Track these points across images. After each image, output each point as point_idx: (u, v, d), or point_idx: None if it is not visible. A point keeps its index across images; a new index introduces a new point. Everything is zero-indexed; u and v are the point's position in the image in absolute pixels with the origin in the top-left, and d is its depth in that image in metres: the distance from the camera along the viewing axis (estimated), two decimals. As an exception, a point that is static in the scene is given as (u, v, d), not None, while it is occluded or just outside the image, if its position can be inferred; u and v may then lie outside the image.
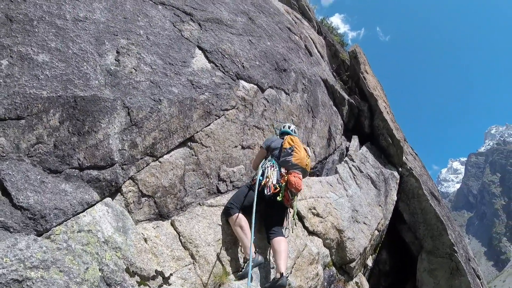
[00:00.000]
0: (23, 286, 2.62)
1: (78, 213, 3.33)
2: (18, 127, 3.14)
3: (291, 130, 5.51)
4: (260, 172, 4.79)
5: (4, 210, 2.88)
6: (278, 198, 4.60)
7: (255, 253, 4.37)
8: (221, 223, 4.64)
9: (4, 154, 3.04)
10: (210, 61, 5.35)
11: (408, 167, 10.56)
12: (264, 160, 5.07)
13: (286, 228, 4.94)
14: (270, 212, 4.87)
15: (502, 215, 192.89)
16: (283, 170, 4.87)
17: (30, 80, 3.32)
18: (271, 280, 4.43)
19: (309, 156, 5.18)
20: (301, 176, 4.91)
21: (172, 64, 4.78)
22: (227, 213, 4.64)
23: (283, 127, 5.60)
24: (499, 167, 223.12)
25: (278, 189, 4.62)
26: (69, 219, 3.23)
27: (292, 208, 4.89)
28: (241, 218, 4.49)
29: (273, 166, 4.85)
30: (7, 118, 3.10)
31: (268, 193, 4.54)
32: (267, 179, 4.66)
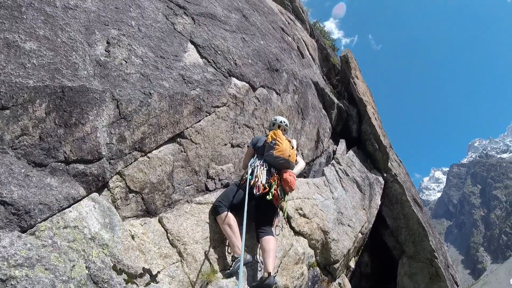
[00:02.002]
0: (7, 285, 2.50)
1: (64, 209, 3.21)
2: (2, 118, 2.99)
3: (280, 122, 5.46)
4: (249, 171, 4.74)
5: (-14, 205, 2.75)
6: (267, 197, 4.55)
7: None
8: (209, 221, 4.56)
9: (-13, 146, 2.89)
10: (202, 57, 5.27)
11: (393, 173, 10.66)
12: (253, 158, 5.01)
13: (276, 226, 4.94)
14: (260, 211, 4.82)
15: (480, 225, 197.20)
16: (273, 170, 4.85)
17: (16, 69, 3.16)
18: (258, 279, 4.38)
19: (293, 147, 5.15)
20: (295, 176, 4.90)
21: (164, 58, 4.69)
22: (215, 212, 4.56)
23: (273, 119, 5.54)
24: (480, 179, 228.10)
25: (267, 189, 4.58)
26: (54, 214, 3.11)
27: (281, 209, 4.85)
28: (230, 217, 4.42)
29: (262, 165, 4.82)
30: (-10, 108, 2.95)
31: (257, 193, 4.50)
32: (256, 179, 4.61)
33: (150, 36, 4.71)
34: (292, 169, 5.02)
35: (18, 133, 3.07)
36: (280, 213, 5.05)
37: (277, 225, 4.93)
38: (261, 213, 4.82)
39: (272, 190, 4.61)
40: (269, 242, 4.47)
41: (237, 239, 4.27)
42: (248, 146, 5.30)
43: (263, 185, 4.58)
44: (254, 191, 4.51)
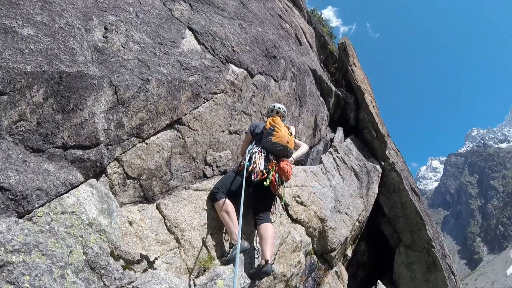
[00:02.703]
0: (4, 271, 2.51)
1: (62, 194, 3.21)
2: (-1, 103, 2.97)
3: (279, 108, 5.43)
4: (247, 157, 4.75)
5: (-17, 191, 2.74)
6: (265, 183, 4.55)
7: (241, 238, 4.30)
8: (206, 208, 4.58)
9: (-16, 132, 2.88)
10: (200, 43, 5.24)
11: (391, 162, 10.66)
12: (251, 145, 5.01)
13: (273, 213, 4.95)
14: (258, 197, 4.83)
15: (477, 215, 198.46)
16: (271, 156, 4.86)
17: (14, 54, 3.14)
18: (255, 266, 4.39)
19: (291, 134, 5.15)
20: (292, 165, 4.91)
21: (162, 44, 4.66)
22: (213, 198, 4.57)
23: (271, 105, 5.52)
24: (478, 169, 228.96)
25: (265, 175, 4.59)
26: (52, 200, 3.11)
27: (279, 196, 4.87)
28: (228, 204, 4.43)
29: (260, 152, 4.82)
30: (-12, 93, 2.93)
31: (256, 179, 4.51)
32: (254, 165, 4.62)
33: (147, 22, 4.68)
34: (290, 156, 5.01)
35: (16, 119, 3.06)
36: (278, 200, 5.07)
37: (273, 212, 4.94)
38: (258, 200, 4.82)
39: (270, 176, 4.61)
40: (267, 229, 4.47)
41: (235, 226, 4.29)
42: (246, 133, 5.30)
43: (261, 171, 4.59)
44: (252, 177, 4.52)
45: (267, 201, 4.85)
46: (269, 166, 4.71)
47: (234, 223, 4.32)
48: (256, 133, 5.11)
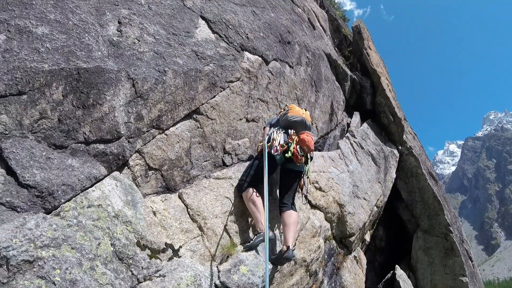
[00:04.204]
0: (35, 266, 2.59)
1: (87, 188, 3.28)
2: (20, 103, 3.01)
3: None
4: (266, 138, 4.82)
5: (10, 189, 2.81)
6: (286, 155, 4.58)
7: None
8: (228, 196, 4.62)
9: (7, 132, 2.93)
10: (214, 32, 5.23)
11: (408, 146, 10.57)
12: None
13: (302, 195, 5.09)
14: (282, 179, 4.90)
15: (495, 200, 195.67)
16: (290, 131, 4.92)
17: (30, 54, 3.17)
18: (277, 252, 4.44)
19: (306, 110, 5.25)
20: (313, 135, 4.91)
21: (176, 34, 4.67)
22: (239, 189, 4.65)
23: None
24: (495, 153, 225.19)
25: (285, 147, 4.63)
26: (77, 194, 3.18)
27: (306, 166, 4.92)
28: (253, 193, 4.48)
29: (278, 130, 4.88)
30: (8, 94, 2.97)
31: (275, 154, 4.57)
32: (273, 141, 4.69)
33: (160, 13, 4.68)
34: (310, 130, 5.02)
35: (37, 117, 3.11)
36: (304, 180, 5.09)
37: (303, 194, 5.06)
38: (283, 181, 4.87)
39: (291, 148, 4.63)
40: (290, 216, 4.52)
41: (261, 215, 4.34)
42: (264, 128, 5.36)
43: (281, 144, 4.64)
44: (272, 151, 4.58)
45: (291, 183, 4.85)
46: (289, 140, 4.76)
47: (260, 211, 4.37)
48: (273, 124, 5.18)
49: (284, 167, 4.85)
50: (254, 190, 4.50)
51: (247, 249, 4.25)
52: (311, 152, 4.89)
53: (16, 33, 3.18)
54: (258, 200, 4.45)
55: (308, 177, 5.05)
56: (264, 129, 5.34)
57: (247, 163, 4.96)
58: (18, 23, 3.23)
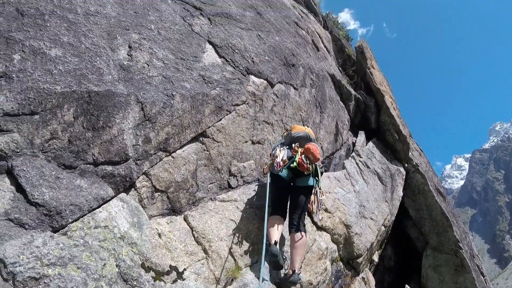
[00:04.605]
0: (40, 283, 2.62)
1: (94, 209, 3.34)
2: (32, 123, 3.12)
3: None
4: (270, 159, 4.87)
5: (19, 206, 2.87)
6: (292, 165, 4.59)
7: (275, 243, 4.26)
8: (233, 218, 4.65)
9: (18, 150, 3.03)
10: (220, 56, 5.35)
11: (414, 163, 10.51)
12: None
13: (314, 213, 4.97)
14: (292, 197, 4.79)
15: (505, 212, 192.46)
16: (294, 145, 4.91)
17: (44, 75, 3.29)
18: (282, 275, 4.42)
19: (308, 127, 5.31)
20: (318, 147, 4.89)
21: (184, 59, 4.78)
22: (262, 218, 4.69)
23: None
24: (503, 164, 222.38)
25: (286, 162, 4.63)
26: (85, 215, 3.24)
27: (312, 174, 4.82)
28: (271, 219, 4.49)
29: (281, 147, 4.93)
30: (20, 113, 3.07)
31: (278, 169, 4.57)
32: (275, 158, 4.71)
33: (169, 38, 4.81)
34: (313, 141, 5.05)
35: (48, 137, 3.20)
36: (315, 196, 4.94)
37: (313, 213, 4.98)
38: (292, 199, 4.78)
39: (296, 158, 4.63)
40: (298, 238, 4.43)
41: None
42: (270, 154, 5.40)
43: (283, 160, 4.66)
44: (275, 168, 4.59)
45: (300, 201, 4.72)
46: (293, 152, 4.76)
47: (273, 234, 4.34)
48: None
49: (294, 185, 4.79)
50: (272, 216, 4.52)
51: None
52: (318, 161, 4.82)
53: (31, 53, 3.32)
54: (273, 225, 4.43)
55: (320, 189, 4.90)
56: (270, 155, 5.33)
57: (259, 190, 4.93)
58: (33, 44, 3.37)
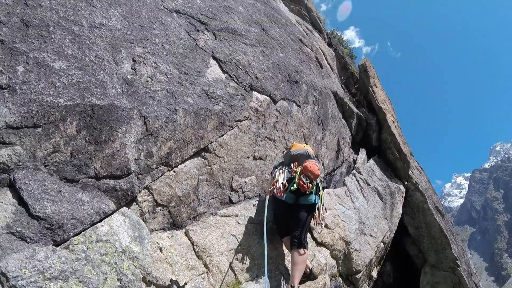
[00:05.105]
0: (43, 297, 2.60)
1: (96, 223, 3.32)
2: (34, 135, 3.10)
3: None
4: (271, 183, 4.89)
5: (21, 220, 2.86)
6: (292, 188, 4.60)
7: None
8: (234, 233, 4.65)
9: (21, 163, 3.01)
10: (224, 72, 5.38)
11: (414, 181, 10.55)
12: None
13: (318, 224, 4.93)
14: (294, 214, 4.75)
15: (504, 231, 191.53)
16: (292, 165, 4.93)
17: (47, 88, 3.27)
18: None
19: (306, 144, 5.38)
20: (316, 163, 4.90)
21: (188, 74, 4.80)
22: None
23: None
24: (503, 183, 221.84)
25: (286, 186, 4.64)
26: (87, 229, 3.22)
27: (317, 196, 4.81)
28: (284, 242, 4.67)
29: (281, 169, 4.93)
30: (23, 126, 3.06)
31: (279, 195, 4.57)
32: (275, 183, 4.70)
33: (173, 53, 4.83)
34: (313, 158, 5.06)
35: (50, 150, 3.19)
36: (320, 211, 4.92)
37: (319, 223, 4.92)
38: (295, 215, 4.72)
39: (296, 180, 4.65)
40: (299, 254, 4.42)
41: (293, 270, 4.35)
42: (270, 173, 5.46)
43: (283, 184, 4.65)
44: (277, 195, 4.59)
45: (303, 217, 4.70)
46: (293, 173, 4.78)
47: (292, 266, 4.38)
48: (277, 167, 5.23)
49: (297, 203, 4.75)
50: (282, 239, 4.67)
51: None
52: (317, 178, 4.82)
53: (34, 65, 3.29)
54: (291, 254, 4.46)
55: (323, 205, 4.88)
56: (271, 174, 5.39)
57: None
58: (37, 56, 3.35)
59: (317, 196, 4.80)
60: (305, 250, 4.53)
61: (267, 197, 4.73)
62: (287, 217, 4.72)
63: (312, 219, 4.89)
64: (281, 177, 4.77)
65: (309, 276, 4.77)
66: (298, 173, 4.74)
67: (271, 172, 5.40)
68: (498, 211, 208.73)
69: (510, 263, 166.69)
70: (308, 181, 4.69)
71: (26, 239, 2.83)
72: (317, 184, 4.83)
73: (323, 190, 4.97)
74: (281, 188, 4.61)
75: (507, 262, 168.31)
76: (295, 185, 4.61)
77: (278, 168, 5.00)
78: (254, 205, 5.22)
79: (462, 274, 9.86)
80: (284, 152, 5.34)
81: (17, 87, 3.12)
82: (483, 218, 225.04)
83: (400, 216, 9.69)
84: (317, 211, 4.88)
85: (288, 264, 4.72)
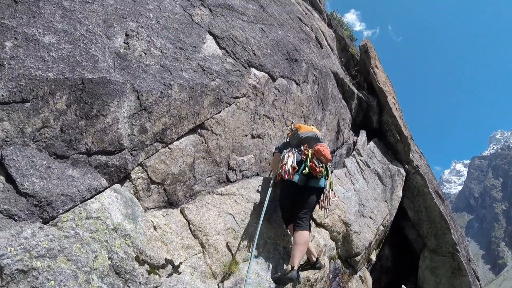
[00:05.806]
0: (29, 276, 2.51)
1: (86, 200, 3.22)
2: (23, 111, 3.00)
3: None
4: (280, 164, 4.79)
5: (8, 197, 2.77)
6: (304, 171, 4.52)
7: (292, 268, 4.14)
8: (231, 212, 4.56)
9: (8, 139, 2.91)
10: (221, 47, 5.24)
11: (415, 165, 10.48)
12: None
13: (324, 208, 5.01)
14: (303, 196, 4.68)
15: (502, 220, 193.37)
16: (303, 147, 4.84)
17: (36, 62, 3.17)
18: (281, 271, 4.33)
19: (313, 126, 5.32)
20: (328, 147, 4.83)
21: (183, 49, 4.67)
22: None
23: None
24: (502, 172, 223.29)
25: (296, 169, 4.54)
26: (76, 205, 3.12)
27: (326, 180, 4.79)
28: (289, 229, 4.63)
29: (290, 151, 4.82)
30: (11, 101, 2.96)
31: (287, 177, 4.48)
32: (284, 165, 4.61)
33: (168, 27, 4.70)
34: (322, 141, 5.02)
35: (39, 126, 3.09)
36: (325, 194, 4.93)
37: (324, 207, 4.98)
38: (303, 198, 4.66)
39: (308, 163, 4.57)
40: (302, 236, 4.37)
41: (295, 251, 4.28)
42: (273, 153, 5.36)
43: (293, 166, 4.55)
44: (285, 176, 4.50)
45: (311, 200, 4.68)
46: (303, 156, 4.69)
47: (295, 247, 4.32)
48: (281, 148, 5.14)
49: (306, 185, 4.67)
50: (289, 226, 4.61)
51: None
52: (329, 162, 4.77)
53: (23, 40, 3.19)
54: (294, 235, 4.43)
55: (332, 190, 4.89)
56: (273, 155, 5.33)
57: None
58: (26, 31, 3.25)
59: (325, 180, 4.76)
60: (309, 232, 4.49)
61: (273, 177, 4.62)
62: (295, 199, 4.63)
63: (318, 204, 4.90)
64: (290, 159, 4.67)
65: (314, 264, 4.69)
66: (310, 156, 4.64)
67: (273, 153, 5.34)
68: (496, 199, 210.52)
69: (507, 252, 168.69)
70: (321, 165, 4.61)
71: (14, 217, 2.74)
72: (327, 168, 4.76)
73: (331, 173, 4.94)
74: (290, 170, 4.52)
75: (504, 250, 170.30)
76: (307, 168, 4.53)
77: (288, 150, 4.87)
78: (258, 191, 5.12)
79: (462, 260, 9.88)
80: (290, 134, 5.25)
81: (5, 62, 3.01)
82: (481, 206, 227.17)
83: (400, 200, 9.65)
84: (323, 195, 4.87)
85: (289, 246, 4.65)
